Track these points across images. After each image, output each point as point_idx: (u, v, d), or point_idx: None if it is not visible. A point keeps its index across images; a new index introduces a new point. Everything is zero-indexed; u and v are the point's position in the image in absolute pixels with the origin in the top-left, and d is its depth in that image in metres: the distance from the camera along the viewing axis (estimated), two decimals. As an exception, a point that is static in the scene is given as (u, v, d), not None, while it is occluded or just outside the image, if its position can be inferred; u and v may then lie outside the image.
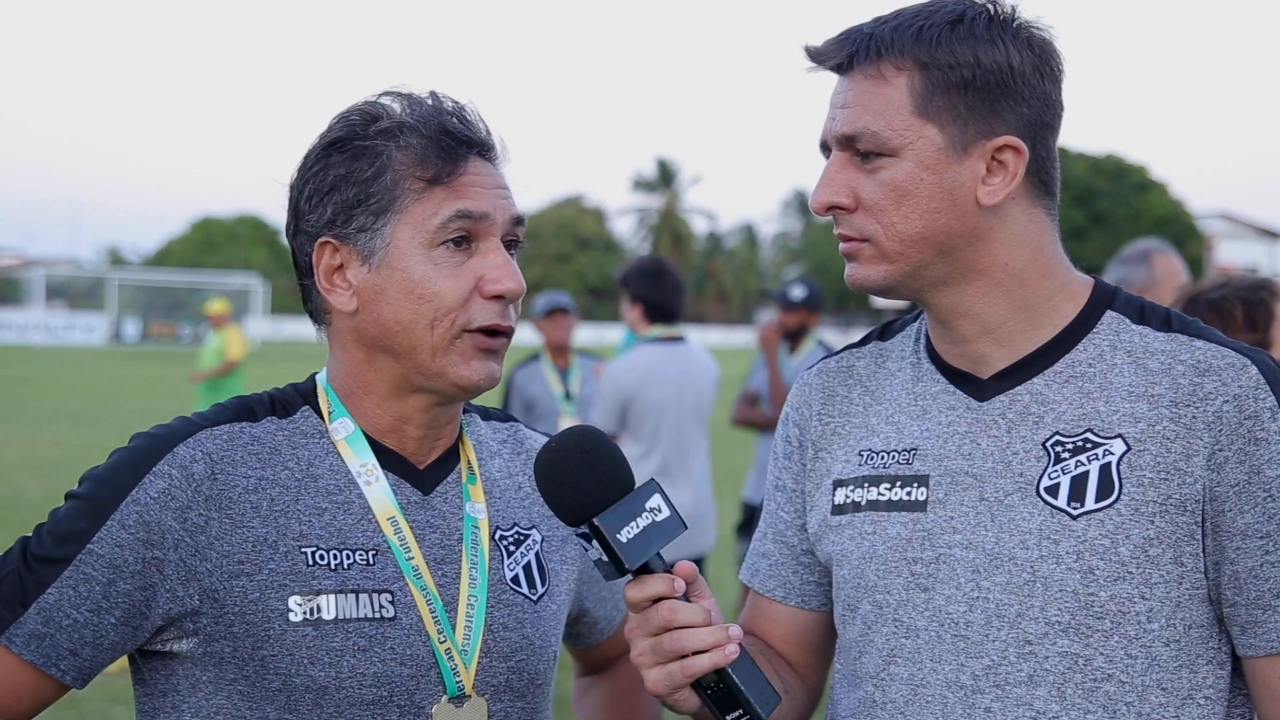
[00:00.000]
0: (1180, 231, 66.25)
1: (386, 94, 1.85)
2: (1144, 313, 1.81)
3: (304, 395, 1.88)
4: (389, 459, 1.84)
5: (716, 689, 1.67)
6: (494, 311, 1.78)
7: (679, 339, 6.97)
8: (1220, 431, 1.69)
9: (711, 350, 7.31)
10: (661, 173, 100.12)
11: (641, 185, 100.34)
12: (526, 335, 9.51)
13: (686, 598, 1.68)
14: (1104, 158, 67.03)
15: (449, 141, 1.79)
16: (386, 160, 1.79)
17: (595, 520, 1.63)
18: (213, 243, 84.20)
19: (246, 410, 1.83)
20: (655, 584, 1.66)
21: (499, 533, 1.90)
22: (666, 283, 6.92)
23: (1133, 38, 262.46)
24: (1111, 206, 64.89)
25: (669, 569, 1.68)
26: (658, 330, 6.92)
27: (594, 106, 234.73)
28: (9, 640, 1.69)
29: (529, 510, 1.96)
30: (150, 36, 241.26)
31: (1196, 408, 1.71)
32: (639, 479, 1.69)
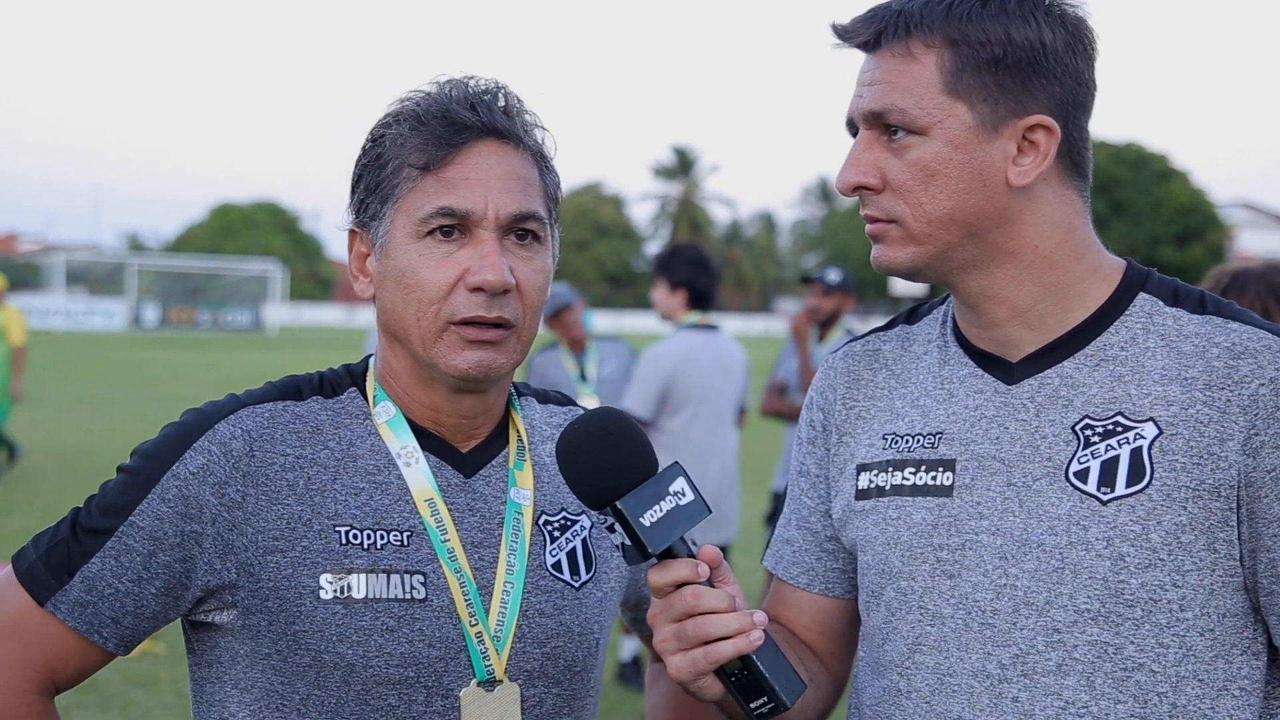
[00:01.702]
0: (1202, 221, 66.01)
1: (449, 80, 1.85)
2: (1178, 295, 1.78)
3: (354, 377, 1.91)
4: (431, 442, 1.86)
5: (741, 676, 1.65)
6: (476, 303, 1.77)
7: (713, 327, 7.08)
8: (1256, 415, 1.66)
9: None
10: (680, 160, 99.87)
11: (661, 173, 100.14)
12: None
13: (711, 583, 1.65)
14: (1125, 146, 66.73)
15: (446, 128, 1.79)
16: (392, 148, 1.81)
17: (618, 503, 1.62)
18: (232, 229, 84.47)
19: (294, 389, 1.87)
20: (679, 569, 1.64)
21: (544, 517, 1.90)
22: (712, 271, 7.09)
23: (1153, 24, 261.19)
24: (1133, 195, 64.62)
25: (693, 553, 1.66)
26: (695, 317, 7.03)
27: (613, 93, 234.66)
28: (55, 607, 1.75)
29: None
30: (170, 27, 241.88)
31: (1231, 391, 1.67)
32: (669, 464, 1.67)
